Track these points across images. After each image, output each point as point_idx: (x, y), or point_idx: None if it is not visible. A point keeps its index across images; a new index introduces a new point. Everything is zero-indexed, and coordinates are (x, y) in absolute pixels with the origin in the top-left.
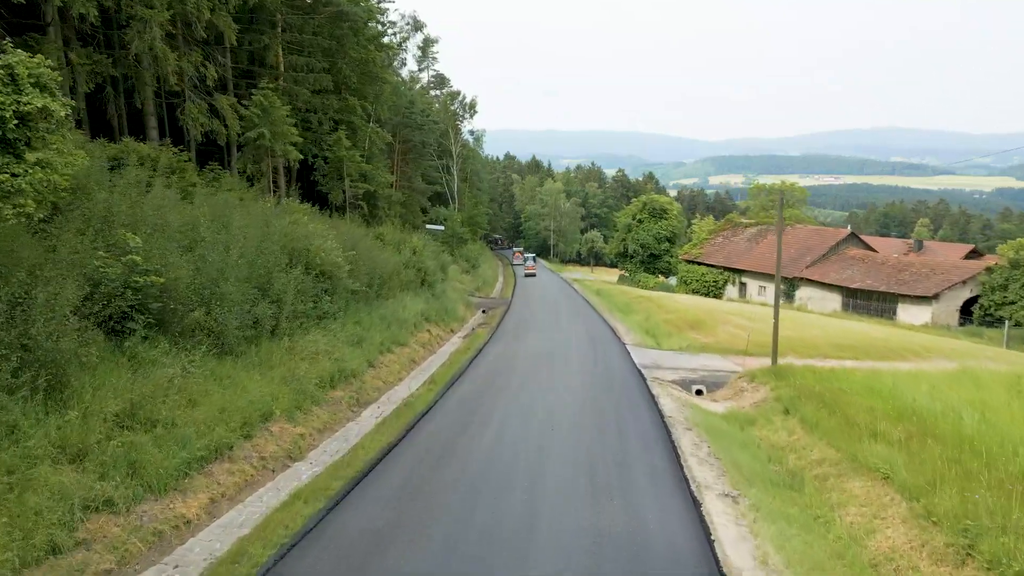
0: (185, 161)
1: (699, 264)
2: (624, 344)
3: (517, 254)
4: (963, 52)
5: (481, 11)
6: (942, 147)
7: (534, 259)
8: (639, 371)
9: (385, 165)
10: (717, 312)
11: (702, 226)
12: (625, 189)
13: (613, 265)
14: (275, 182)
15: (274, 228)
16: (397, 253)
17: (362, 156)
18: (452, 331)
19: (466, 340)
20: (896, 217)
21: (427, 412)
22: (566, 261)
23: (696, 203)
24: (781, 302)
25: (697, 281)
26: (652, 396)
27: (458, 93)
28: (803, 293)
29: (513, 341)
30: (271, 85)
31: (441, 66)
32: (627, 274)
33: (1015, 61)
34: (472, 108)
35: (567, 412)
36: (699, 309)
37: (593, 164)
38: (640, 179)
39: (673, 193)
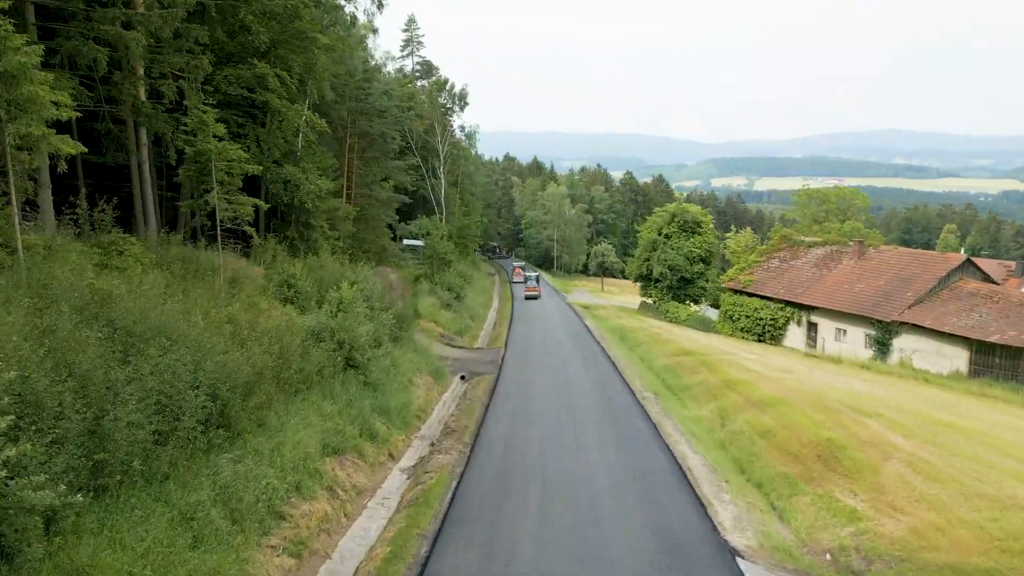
0: None
1: (749, 295)
2: (732, 548)
3: (517, 270)
4: (964, 53)
5: (478, 10)
6: (944, 149)
7: (536, 279)
8: None
9: (331, 170)
10: (845, 416)
11: (739, 241)
12: (634, 193)
13: (624, 277)
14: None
15: None
16: (317, 308)
17: (284, 153)
18: (391, 458)
19: (407, 508)
20: (919, 223)
21: None
22: (572, 272)
23: (705, 207)
24: (872, 354)
25: (747, 318)
26: None
27: (446, 82)
28: (904, 343)
29: (488, 545)
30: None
31: (428, 51)
32: (651, 301)
33: (1016, 62)
34: (463, 99)
35: None
36: (809, 405)
37: (599, 166)
38: (648, 181)
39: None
